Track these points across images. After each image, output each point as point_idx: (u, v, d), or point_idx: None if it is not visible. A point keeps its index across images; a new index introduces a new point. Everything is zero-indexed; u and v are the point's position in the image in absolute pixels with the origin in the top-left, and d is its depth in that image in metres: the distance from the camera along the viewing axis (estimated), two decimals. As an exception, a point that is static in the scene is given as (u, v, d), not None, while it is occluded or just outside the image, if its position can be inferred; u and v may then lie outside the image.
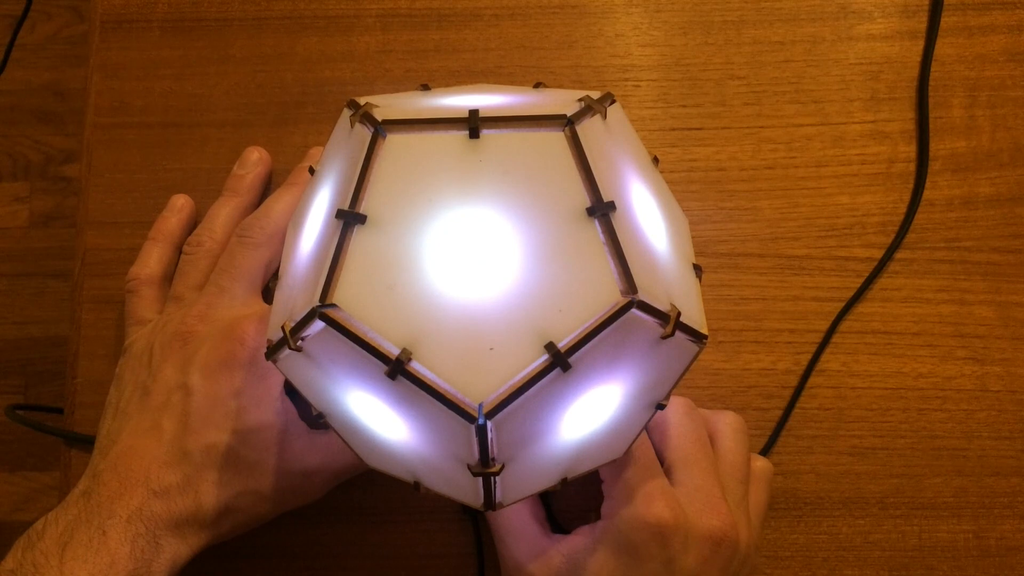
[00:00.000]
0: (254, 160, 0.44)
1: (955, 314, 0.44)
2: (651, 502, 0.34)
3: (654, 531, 0.33)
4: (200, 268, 0.42)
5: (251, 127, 0.46)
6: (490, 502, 0.29)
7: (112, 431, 0.38)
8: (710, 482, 0.35)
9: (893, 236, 0.44)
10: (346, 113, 0.29)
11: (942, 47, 0.46)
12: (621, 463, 0.35)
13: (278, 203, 0.42)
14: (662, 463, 0.36)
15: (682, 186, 0.45)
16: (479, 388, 0.25)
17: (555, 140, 0.26)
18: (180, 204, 0.44)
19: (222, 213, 0.43)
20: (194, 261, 0.42)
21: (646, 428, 0.37)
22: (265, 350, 0.29)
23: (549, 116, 0.26)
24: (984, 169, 0.45)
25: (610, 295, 0.25)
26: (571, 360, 0.24)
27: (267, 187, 0.45)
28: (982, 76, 0.46)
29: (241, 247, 0.41)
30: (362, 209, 0.26)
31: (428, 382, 0.25)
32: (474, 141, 0.26)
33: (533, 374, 0.25)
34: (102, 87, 0.47)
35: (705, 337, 0.28)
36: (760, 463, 0.39)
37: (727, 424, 0.38)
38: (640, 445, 0.35)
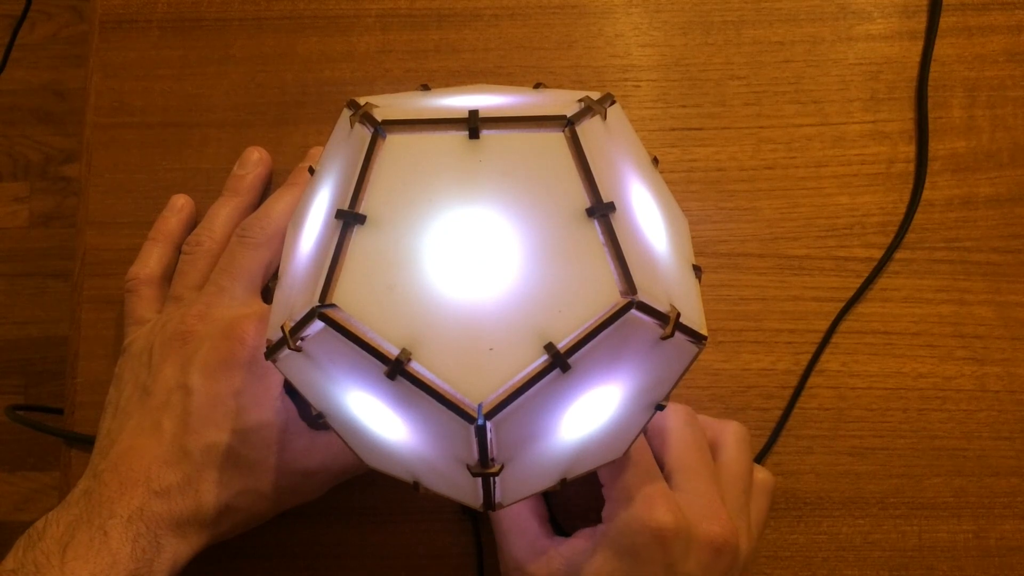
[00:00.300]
0: (254, 160, 0.44)
1: (955, 314, 0.43)
2: (653, 506, 0.33)
3: (655, 535, 0.33)
4: (199, 268, 0.42)
5: (251, 127, 0.46)
6: (489, 502, 0.29)
7: (112, 431, 0.38)
8: (711, 489, 0.35)
9: (893, 236, 0.44)
10: (346, 113, 0.29)
11: (941, 47, 0.46)
12: (620, 466, 0.35)
13: (278, 203, 0.42)
14: (662, 470, 0.36)
15: (682, 186, 0.45)
16: (479, 388, 0.25)
17: (555, 141, 0.26)
18: (180, 204, 0.44)
19: (222, 213, 0.43)
20: (193, 261, 0.42)
21: (645, 433, 0.37)
22: (265, 350, 0.29)
23: (549, 117, 0.26)
24: (984, 169, 0.45)
25: (610, 296, 0.25)
26: (571, 360, 0.24)
27: (267, 187, 0.45)
28: (982, 76, 0.46)
29: (241, 247, 0.41)
30: (362, 209, 0.26)
31: (427, 382, 0.25)
32: (474, 141, 0.26)
33: (533, 374, 0.25)
34: (102, 87, 0.47)
35: (704, 338, 0.28)
36: (762, 475, 0.39)
37: (731, 434, 0.38)
38: (639, 449, 0.35)
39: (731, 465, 0.37)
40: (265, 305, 0.40)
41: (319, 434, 0.38)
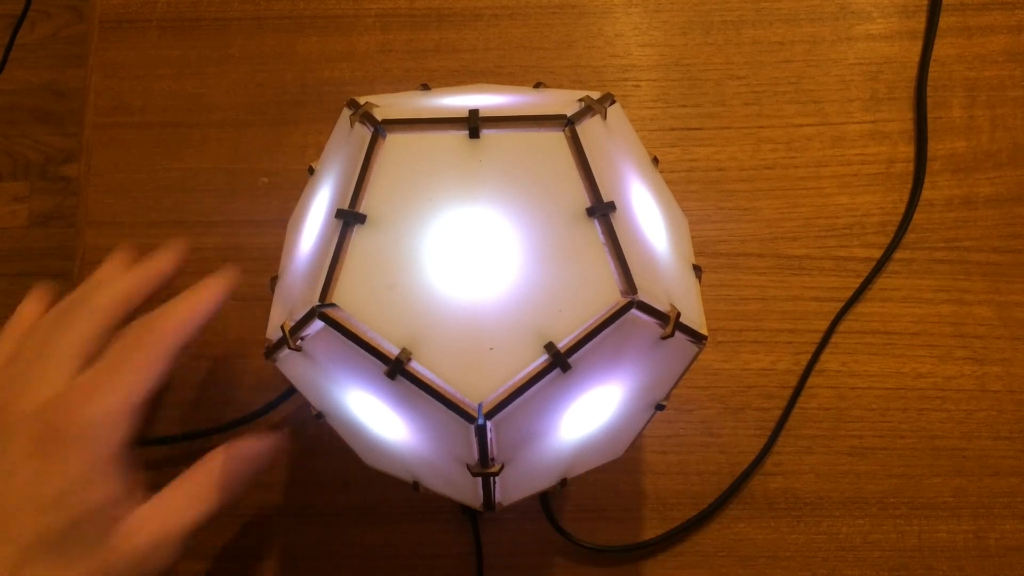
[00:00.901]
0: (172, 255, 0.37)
1: (955, 314, 0.43)
2: None
3: None
4: (80, 332, 0.35)
5: (251, 127, 0.46)
6: (489, 502, 0.29)
7: None
8: None
9: (892, 236, 0.44)
10: (346, 113, 0.29)
11: (941, 47, 0.46)
12: None
13: (176, 309, 0.34)
14: None
15: (682, 186, 0.45)
16: (479, 388, 0.25)
17: (555, 140, 0.26)
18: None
19: (110, 288, 0.36)
20: (67, 320, 0.36)
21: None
22: (264, 349, 0.29)
23: (549, 116, 0.26)
24: (983, 169, 0.45)
25: (610, 295, 0.25)
26: (571, 360, 0.24)
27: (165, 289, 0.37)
28: (981, 76, 0.46)
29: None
30: (362, 209, 0.26)
31: (428, 382, 0.25)
32: (474, 141, 0.26)
33: (533, 374, 0.25)
34: (101, 87, 0.47)
35: (705, 338, 0.28)
36: None
37: None
38: None
39: None
40: (83, 379, 0.33)
41: (148, 504, 0.33)
